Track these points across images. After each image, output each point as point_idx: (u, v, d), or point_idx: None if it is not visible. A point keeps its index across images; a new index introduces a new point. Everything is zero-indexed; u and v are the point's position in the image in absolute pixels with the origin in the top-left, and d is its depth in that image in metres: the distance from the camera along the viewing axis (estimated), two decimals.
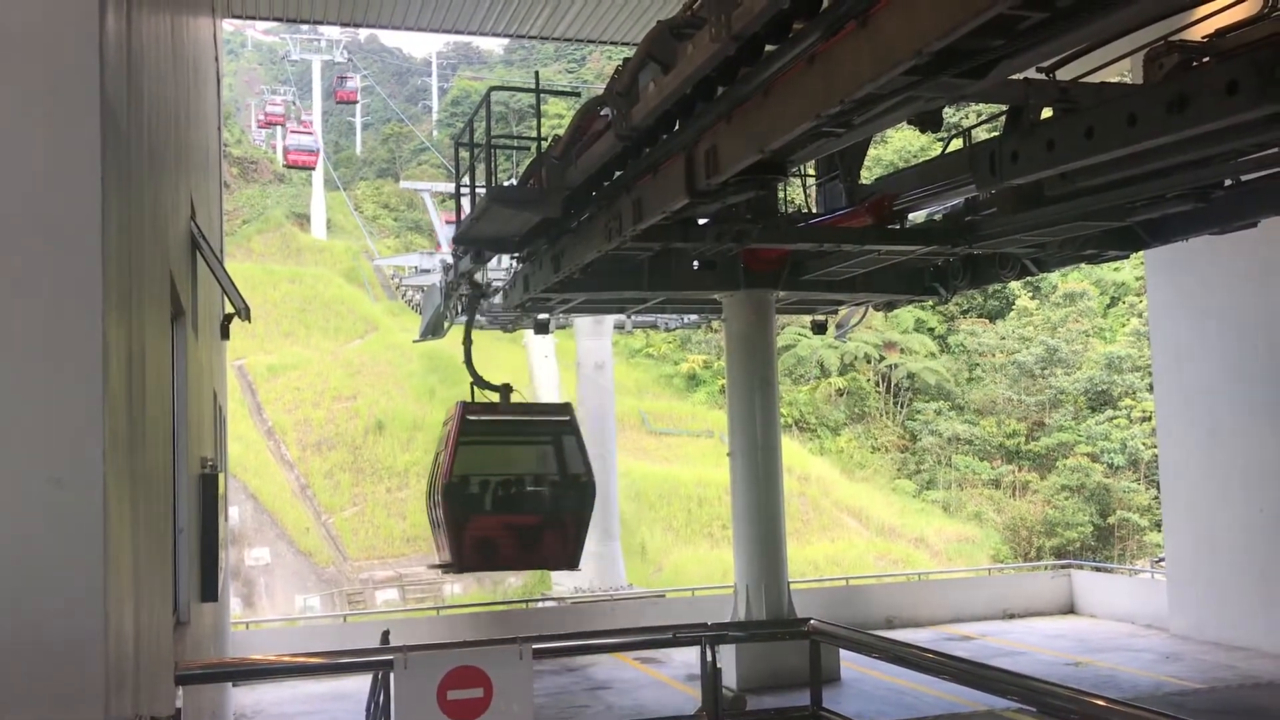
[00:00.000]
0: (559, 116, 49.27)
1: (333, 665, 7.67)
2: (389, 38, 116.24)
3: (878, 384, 46.68)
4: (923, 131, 7.11)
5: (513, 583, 34.22)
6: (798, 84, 6.39)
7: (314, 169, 65.04)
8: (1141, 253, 13.97)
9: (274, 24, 63.72)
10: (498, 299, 15.19)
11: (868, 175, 11.96)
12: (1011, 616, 17.81)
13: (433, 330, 25.14)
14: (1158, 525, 28.30)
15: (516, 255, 13.40)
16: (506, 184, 12.72)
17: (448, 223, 35.02)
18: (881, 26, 5.45)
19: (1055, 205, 9.12)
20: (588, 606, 18.74)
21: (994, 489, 41.10)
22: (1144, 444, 37.02)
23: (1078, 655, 14.60)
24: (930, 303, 15.87)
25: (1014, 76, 6.84)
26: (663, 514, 37.90)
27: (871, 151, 25.44)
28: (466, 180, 12.18)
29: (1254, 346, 14.58)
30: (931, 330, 47.43)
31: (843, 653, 12.30)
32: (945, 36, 5.03)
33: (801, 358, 45.66)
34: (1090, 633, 16.39)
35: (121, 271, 3.22)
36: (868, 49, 5.57)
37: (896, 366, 45.64)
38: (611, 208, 9.74)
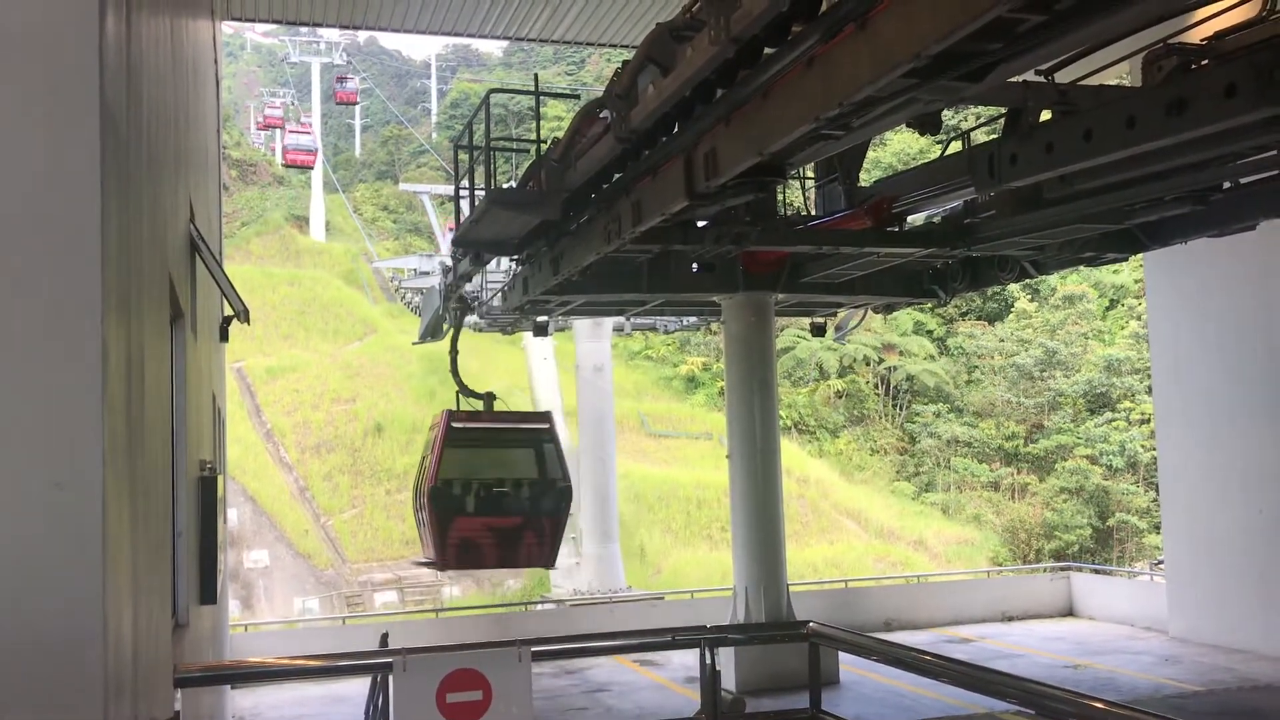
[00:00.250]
0: (558, 119, 49.30)
1: (331, 668, 7.66)
2: (388, 40, 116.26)
3: (876, 386, 46.67)
4: (922, 134, 7.11)
5: (512, 585, 34.22)
6: (797, 87, 6.40)
7: (312, 169, 64.97)
8: (1141, 255, 13.99)
9: (273, 26, 63.71)
10: (496, 301, 15.27)
11: (867, 178, 11.98)
12: (1010, 619, 17.81)
13: (432, 332, 25.15)
14: (1157, 528, 28.31)
15: (516, 258, 13.45)
16: (506, 186, 12.74)
17: (450, 230, 35.01)
18: (880, 29, 5.46)
19: (1054, 208, 9.12)
20: (587, 609, 18.77)
21: (993, 491, 41.08)
22: (1143, 446, 37.00)
23: (1077, 658, 14.60)
24: (929, 305, 15.92)
25: (1013, 79, 6.85)
26: (662, 516, 37.87)
27: (870, 154, 25.49)
28: (466, 182, 12.20)
29: (1253, 349, 14.59)
30: (930, 332, 47.43)
31: (842, 655, 12.31)
32: (944, 39, 5.03)
33: (800, 360, 45.64)
34: (1089, 635, 16.39)
35: (121, 274, 3.22)
36: (867, 52, 5.58)
37: (895, 369, 45.64)
38: (611, 210, 9.74)
